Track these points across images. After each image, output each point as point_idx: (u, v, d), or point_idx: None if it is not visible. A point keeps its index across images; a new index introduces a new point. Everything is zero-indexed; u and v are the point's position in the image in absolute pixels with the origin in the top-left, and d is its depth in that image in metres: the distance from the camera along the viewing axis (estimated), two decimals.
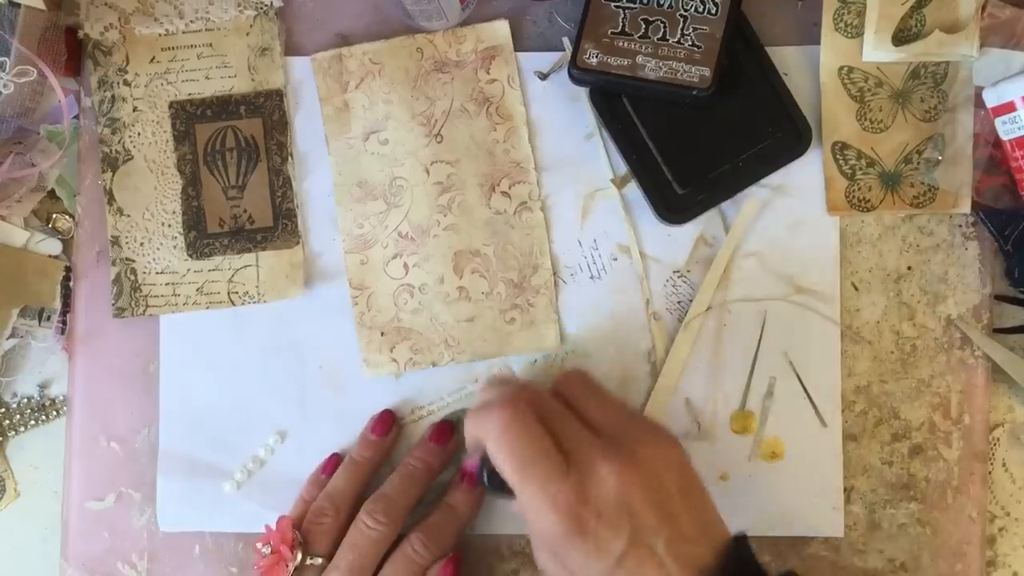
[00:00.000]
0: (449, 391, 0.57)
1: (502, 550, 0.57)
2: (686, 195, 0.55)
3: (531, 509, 0.44)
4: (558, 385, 0.50)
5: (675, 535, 0.43)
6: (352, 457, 0.55)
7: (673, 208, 0.56)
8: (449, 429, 0.56)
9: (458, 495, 0.54)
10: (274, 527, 0.53)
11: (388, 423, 0.56)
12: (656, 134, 0.56)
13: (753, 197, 0.56)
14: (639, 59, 0.54)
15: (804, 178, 0.57)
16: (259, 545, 0.52)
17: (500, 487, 0.46)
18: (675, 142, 0.56)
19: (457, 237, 0.57)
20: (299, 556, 0.52)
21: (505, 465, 0.45)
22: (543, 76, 0.58)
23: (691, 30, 0.54)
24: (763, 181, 0.56)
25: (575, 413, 0.47)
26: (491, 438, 0.45)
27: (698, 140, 0.55)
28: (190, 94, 0.58)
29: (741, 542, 0.45)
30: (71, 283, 0.59)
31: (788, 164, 0.56)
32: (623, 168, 0.57)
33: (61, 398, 0.59)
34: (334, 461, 0.56)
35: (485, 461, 0.48)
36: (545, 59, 0.58)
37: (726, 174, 0.55)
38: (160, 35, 0.58)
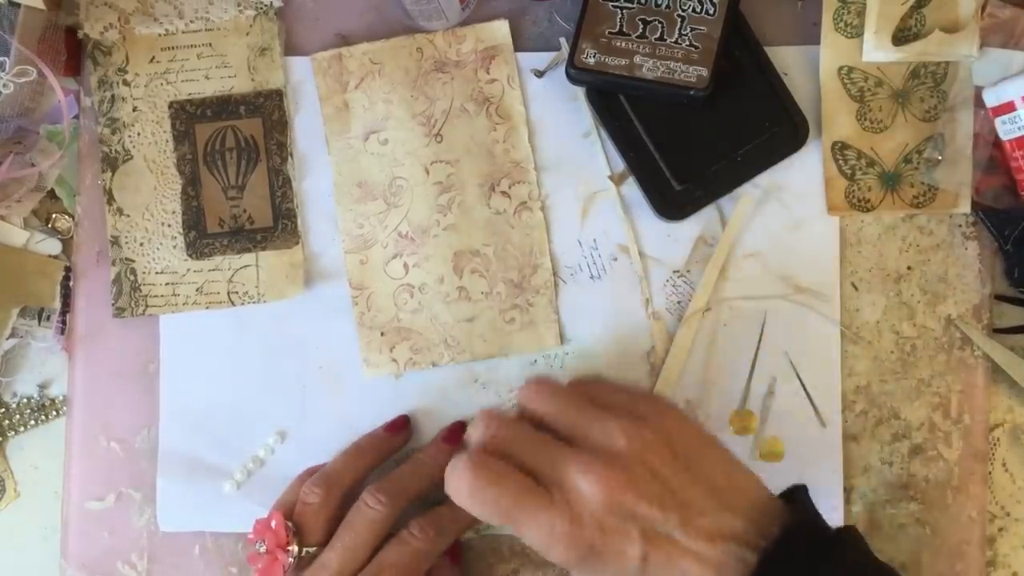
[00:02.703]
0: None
1: (502, 550, 0.57)
2: (684, 191, 0.55)
3: (539, 548, 0.42)
4: (521, 403, 0.48)
5: (687, 515, 0.41)
6: (356, 443, 0.55)
7: (671, 204, 0.56)
8: (461, 429, 0.55)
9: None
10: (266, 520, 0.52)
11: (401, 424, 0.56)
12: (653, 131, 0.56)
13: (748, 194, 0.56)
14: (637, 59, 0.54)
15: (804, 178, 0.57)
16: (252, 539, 0.51)
17: None
18: (672, 138, 0.56)
19: (457, 237, 0.57)
20: (295, 549, 0.50)
21: (492, 520, 0.43)
22: (540, 74, 0.58)
23: (689, 30, 0.54)
24: (763, 181, 0.57)
25: (545, 429, 0.45)
26: (465, 504, 0.43)
27: (695, 136, 0.56)
28: (190, 94, 0.58)
29: (795, 498, 0.43)
30: (71, 283, 0.59)
31: (786, 159, 0.56)
32: (621, 165, 0.57)
33: (61, 398, 0.59)
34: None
35: None
36: (545, 59, 0.58)
37: (724, 170, 0.56)
38: (160, 35, 0.58)
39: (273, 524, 0.51)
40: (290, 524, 0.51)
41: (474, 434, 0.45)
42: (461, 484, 0.43)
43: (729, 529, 0.41)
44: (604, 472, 0.41)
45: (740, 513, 0.42)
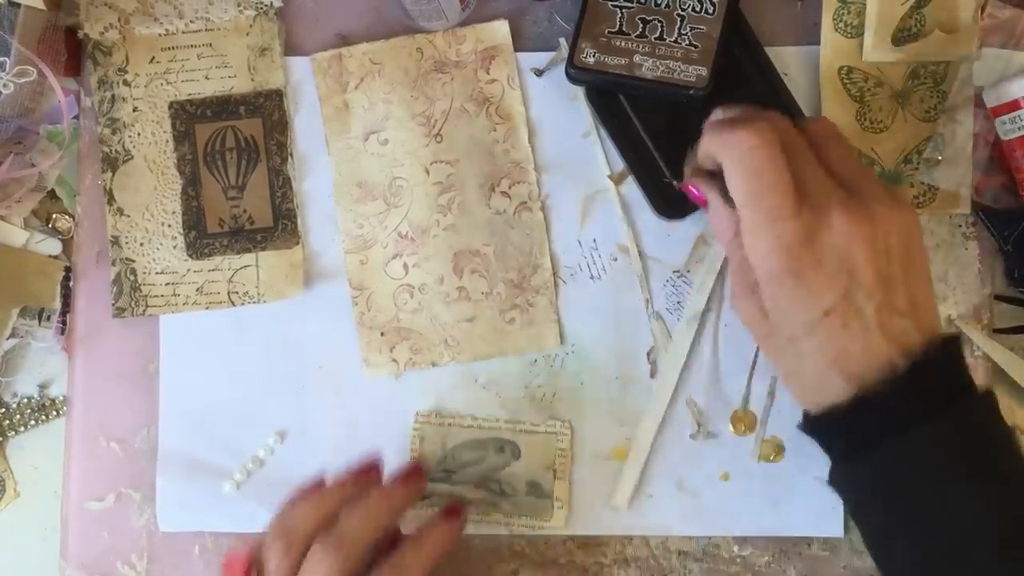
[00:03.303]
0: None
1: (502, 550, 0.57)
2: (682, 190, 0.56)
3: (752, 236, 0.43)
4: (806, 124, 0.47)
5: (887, 303, 0.42)
6: (371, 496, 0.48)
7: (670, 203, 0.56)
8: (419, 471, 0.51)
9: (433, 532, 0.49)
10: (228, 563, 0.46)
11: (418, 470, 0.51)
12: (652, 130, 0.56)
13: None
14: (636, 58, 0.54)
15: None
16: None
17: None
18: (671, 137, 0.56)
19: (457, 237, 0.57)
20: None
21: (740, 187, 0.43)
22: (539, 72, 0.58)
23: (688, 29, 0.54)
24: None
25: (822, 160, 0.45)
26: (732, 156, 0.43)
27: (695, 135, 0.55)
28: (190, 94, 0.58)
29: (952, 341, 0.43)
30: (71, 283, 0.59)
31: None
32: (621, 165, 0.57)
33: (61, 398, 0.59)
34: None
35: (722, 179, 0.45)
36: (545, 59, 0.58)
37: None
38: (160, 35, 0.58)
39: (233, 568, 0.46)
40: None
41: (756, 115, 0.45)
42: (742, 140, 0.43)
43: (907, 337, 0.42)
44: (858, 220, 0.42)
45: (921, 330, 0.42)
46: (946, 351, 0.43)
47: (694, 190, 0.49)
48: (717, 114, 0.47)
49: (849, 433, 0.43)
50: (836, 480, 0.45)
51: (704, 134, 0.46)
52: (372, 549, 0.46)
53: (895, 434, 0.41)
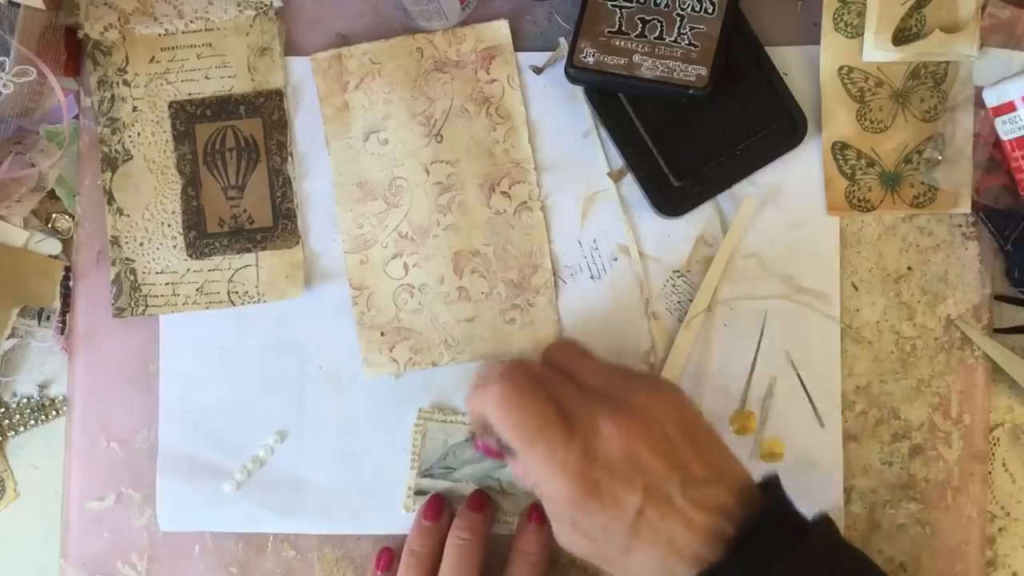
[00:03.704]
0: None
1: (502, 550, 0.57)
2: (682, 187, 0.56)
3: (541, 477, 0.44)
4: (548, 354, 0.50)
5: (688, 480, 0.43)
6: (412, 550, 0.54)
7: (670, 201, 0.56)
8: (483, 496, 0.56)
9: (529, 541, 0.54)
10: None
11: (439, 507, 0.56)
12: (652, 128, 0.56)
13: (751, 196, 0.56)
14: (636, 58, 0.54)
15: (804, 179, 0.57)
16: None
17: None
18: (671, 135, 0.56)
19: (457, 237, 0.57)
20: None
21: (510, 434, 0.45)
22: (538, 70, 0.58)
23: (688, 29, 0.54)
24: (763, 181, 0.57)
25: (570, 379, 0.47)
26: (492, 410, 0.45)
27: (694, 133, 0.56)
28: (190, 94, 0.58)
29: (770, 485, 0.44)
30: (71, 283, 0.59)
31: (784, 155, 0.56)
32: (620, 164, 0.57)
33: (61, 398, 0.59)
34: (387, 556, 0.56)
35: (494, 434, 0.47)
36: (544, 59, 0.58)
37: (722, 166, 0.56)
38: (160, 35, 0.58)
39: None
40: None
41: (501, 364, 0.47)
42: (495, 392, 0.45)
43: (720, 502, 0.43)
44: (626, 420, 0.43)
45: (731, 490, 0.44)
46: (766, 498, 0.44)
47: (482, 447, 0.51)
48: (475, 375, 0.49)
49: None
50: None
51: (467, 400, 0.48)
52: None
53: None
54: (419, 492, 0.56)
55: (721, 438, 0.47)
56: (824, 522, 0.44)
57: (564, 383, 0.47)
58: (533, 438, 0.44)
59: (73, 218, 0.59)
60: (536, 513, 0.55)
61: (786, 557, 0.41)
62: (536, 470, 0.44)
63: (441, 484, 0.56)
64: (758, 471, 0.56)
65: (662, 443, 0.44)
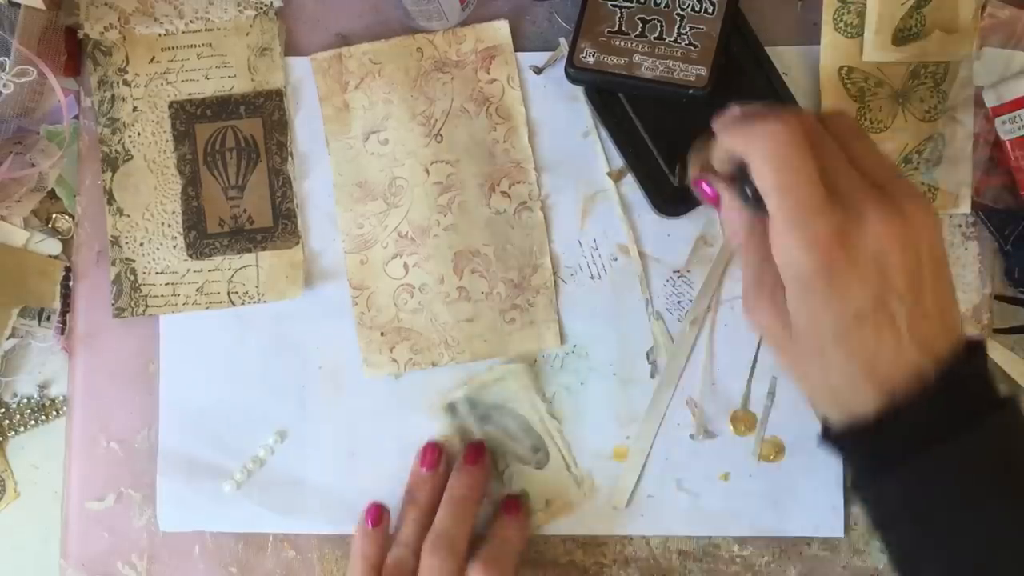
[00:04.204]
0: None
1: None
2: (682, 187, 0.56)
3: (782, 235, 0.40)
4: (827, 121, 0.44)
5: (918, 307, 0.40)
6: (412, 497, 0.55)
7: (669, 201, 0.56)
8: (482, 448, 0.56)
9: (509, 528, 0.54)
10: None
11: (436, 455, 0.56)
12: (652, 128, 0.56)
13: None
14: (636, 58, 0.54)
15: None
16: None
17: (760, 205, 0.42)
18: (671, 135, 0.56)
19: (457, 237, 0.57)
20: None
21: (771, 180, 0.40)
22: (538, 70, 0.58)
23: (688, 29, 0.54)
24: None
25: (850, 157, 0.43)
26: (759, 150, 0.41)
27: (695, 132, 0.55)
28: (190, 94, 0.58)
29: (977, 347, 0.42)
30: (71, 283, 0.59)
31: None
32: (620, 164, 0.57)
33: (61, 398, 0.59)
34: (376, 511, 0.55)
35: (744, 177, 0.44)
36: (544, 59, 0.58)
37: None
38: (160, 35, 0.58)
39: None
40: None
41: (781, 111, 0.42)
42: (770, 134, 0.41)
43: (937, 344, 0.40)
44: (893, 220, 0.40)
45: (950, 338, 0.41)
46: (973, 358, 0.41)
47: (706, 188, 0.47)
48: (734, 110, 0.45)
49: (877, 447, 0.41)
50: (860, 494, 0.43)
51: (723, 129, 0.44)
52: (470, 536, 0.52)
53: (925, 449, 0.39)
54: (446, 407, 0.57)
55: (953, 282, 0.43)
56: (1013, 404, 0.41)
57: (840, 157, 0.42)
58: (795, 193, 0.40)
59: (73, 218, 0.59)
60: (510, 504, 0.55)
61: (972, 428, 0.39)
62: (779, 224, 0.40)
63: (466, 423, 0.57)
64: (758, 471, 0.56)
65: (913, 259, 0.40)
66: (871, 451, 0.41)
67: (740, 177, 0.44)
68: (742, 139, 0.42)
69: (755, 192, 0.42)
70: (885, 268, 0.40)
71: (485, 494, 0.55)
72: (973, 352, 0.41)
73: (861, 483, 0.43)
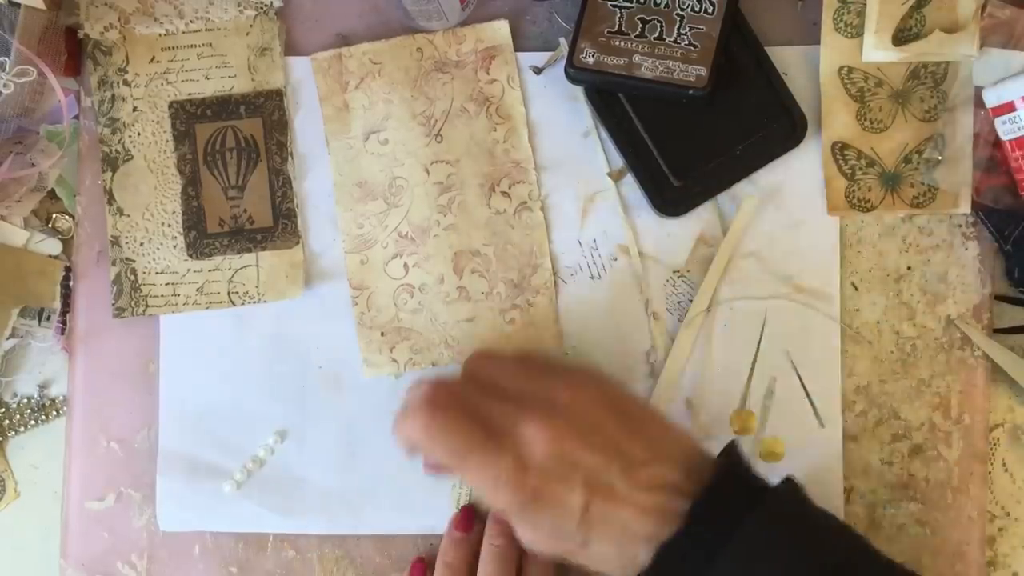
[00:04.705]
0: None
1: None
2: (682, 187, 0.56)
3: (484, 491, 0.44)
4: (465, 368, 0.50)
5: (628, 465, 0.43)
6: (445, 562, 0.55)
7: (670, 200, 0.56)
8: (470, 515, 0.56)
9: (534, 572, 0.54)
10: None
11: (471, 518, 0.56)
12: (652, 128, 0.56)
13: (752, 196, 0.56)
14: (636, 58, 0.54)
15: (804, 179, 0.57)
16: None
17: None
18: (671, 135, 0.56)
19: (457, 237, 0.57)
20: None
21: (442, 458, 0.44)
22: (538, 70, 0.58)
23: (688, 29, 0.54)
24: (763, 181, 0.57)
25: (490, 390, 0.47)
26: (420, 438, 0.45)
27: (694, 133, 0.56)
28: (190, 94, 0.58)
29: (729, 452, 0.44)
30: (71, 283, 0.59)
31: (784, 155, 0.56)
32: (620, 164, 0.57)
33: (61, 398, 0.59)
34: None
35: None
36: (544, 59, 0.58)
37: (722, 165, 0.56)
38: (160, 35, 0.58)
39: None
40: None
41: (421, 388, 0.46)
42: (420, 420, 0.44)
43: (667, 479, 0.43)
44: (550, 422, 0.43)
45: (676, 464, 0.43)
46: (721, 466, 0.43)
47: (433, 466, 0.50)
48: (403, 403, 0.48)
49: None
50: None
51: (395, 429, 0.47)
52: None
53: (708, 565, 0.41)
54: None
55: (659, 414, 0.46)
56: (785, 483, 0.43)
57: (482, 397, 0.46)
58: (465, 458, 0.44)
59: (73, 218, 0.59)
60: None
61: (743, 521, 0.40)
62: (478, 487, 0.44)
63: None
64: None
65: (592, 435, 0.43)
66: None
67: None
68: (405, 433, 0.46)
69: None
70: (573, 460, 0.43)
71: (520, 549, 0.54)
72: (726, 455, 0.44)
73: None
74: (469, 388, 0.47)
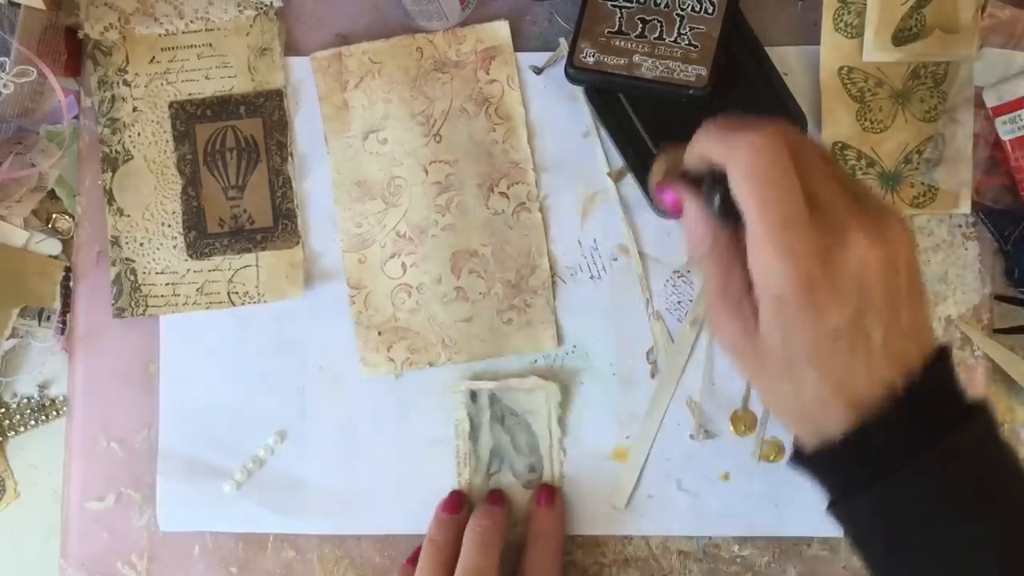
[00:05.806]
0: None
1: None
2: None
3: (759, 249, 0.39)
4: (807, 139, 0.44)
5: (894, 326, 0.40)
6: (431, 539, 0.55)
7: None
8: (502, 493, 0.57)
9: (546, 521, 0.55)
10: None
11: (458, 501, 0.56)
12: (652, 128, 0.56)
13: None
14: (636, 58, 0.54)
15: None
16: None
17: (727, 215, 0.41)
18: (671, 135, 0.55)
19: (455, 237, 0.57)
20: None
21: (751, 192, 0.39)
22: (538, 70, 0.58)
23: (688, 29, 0.54)
24: None
25: (828, 172, 0.42)
26: (742, 162, 0.40)
27: (694, 133, 0.55)
28: (190, 94, 0.58)
29: (944, 355, 0.41)
30: (71, 283, 0.59)
31: None
32: (620, 164, 0.57)
33: (61, 398, 0.59)
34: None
35: (714, 186, 0.42)
36: (544, 59, 0.58)
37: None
38: (160, 35, 0.58)
39: None
40: None
41: (764, 124, 0.41)
42: (753, 145, 0.40)
43: (910, 361, 0.40)
44: (877, 240, 0.39)
45: (923, 354, 0.40)
46: (940, 367, 0.41)
47: (668, 195, 0.46)
48: (717, 121, 0.44)
49: (849, 467, 0.40)
50: (833, 512, 0.43)
51: (704, 136, 0.44)
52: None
53: (896, 469, 0.39)
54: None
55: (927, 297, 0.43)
56: (984, 411, 0.40)
57: (823, 172, 0.41)
58: (776, 207, 0.39)
59: (73, 218, 0.59)
60: (544, 495, 0.55)
61: (943, 441, 0.38)
62: (757, 238, 0.39)
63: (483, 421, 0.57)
64: (758, 471, 0.56)
65: (894, 278, 0.39)
66: (842, 471, 0.41)
67: (709, 185, 0.43)
68: (724, 149, 0.41)
69: (724, 202, 0.41)
70: (864, 286, 0.39)
71: (505, 532, 0.55)
72: (940, 359, 0.41)
73: (834, 502, 0.42)
74: (814, 155, 0.42)
